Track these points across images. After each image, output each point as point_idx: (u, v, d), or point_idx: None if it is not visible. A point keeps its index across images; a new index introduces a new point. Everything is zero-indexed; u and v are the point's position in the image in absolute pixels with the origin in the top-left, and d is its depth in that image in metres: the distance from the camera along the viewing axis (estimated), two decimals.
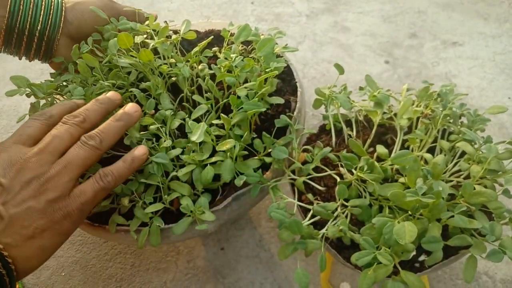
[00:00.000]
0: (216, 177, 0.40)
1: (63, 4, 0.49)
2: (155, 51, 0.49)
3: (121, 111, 0.41)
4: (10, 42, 0.48)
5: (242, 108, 0.41)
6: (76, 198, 0.36)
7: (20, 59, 0.50)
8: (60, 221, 0.35)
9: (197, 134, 0.39)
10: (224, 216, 0.42)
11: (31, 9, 0.46)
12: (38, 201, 0.34)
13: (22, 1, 0.46)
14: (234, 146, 0.40)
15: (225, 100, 0.45)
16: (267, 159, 0.42)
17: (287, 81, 0.51)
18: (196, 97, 0.46)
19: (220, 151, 0.40)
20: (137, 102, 0.47)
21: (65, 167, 0.36)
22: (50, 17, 0.47)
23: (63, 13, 0.48)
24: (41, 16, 0.47)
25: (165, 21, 0.56)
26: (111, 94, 0.43)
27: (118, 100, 0.43)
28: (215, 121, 0.43)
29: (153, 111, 0.45)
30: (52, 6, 0.47)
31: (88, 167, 0.38)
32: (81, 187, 0.36)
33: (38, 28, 0.47)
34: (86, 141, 0.37)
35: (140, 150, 0.40)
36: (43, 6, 0.47)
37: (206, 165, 0.40)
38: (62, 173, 0.35)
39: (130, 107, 0.41)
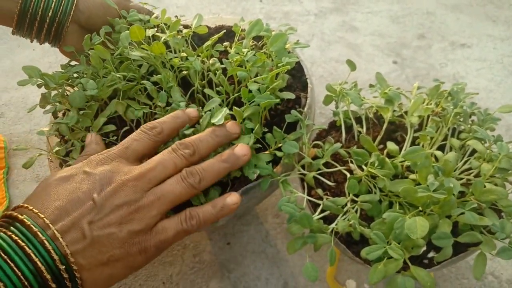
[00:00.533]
0: None
1: None
2: (165, 45, 0.49)
3: (229, 151, 0.39)
4: (22, 25, 0.49)
5: (253, 101, 0.41)
6: (157, 234, 0.35)
7: (31, 41, 0.52)
8: (135, 255, 0.34)
9: (218, 116, 0.40)
10: None
11: None
12: (121, 230, 0.33)
13: None
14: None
15: (235, 95, 0.45)
16: (278, 154, 0.42)
17: (297, 77, 0.51)
18: (207, 90, 0.46)
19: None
20: (148, 95, 0.47)
21: (158, 200, 0.35)
22: (62, 5, 0.48)
23: (74, 2, 0.49)
24: (53, 3, 0.48)
25: (176, 16, 0.56)
26: (231, 126, 0.40)
27: (236, 134, 0.40)
28: None
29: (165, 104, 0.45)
30: None
31: (178, 204, 0.36)
32: (165, 224, 0.35)
33: (50, 14, 0.48)
34: (185, 177, 0.36)
35: (232, 198, 0.37)
36: None
37: None
38: (153, 205, 0.34)
39: (240, 148, 0.38)
